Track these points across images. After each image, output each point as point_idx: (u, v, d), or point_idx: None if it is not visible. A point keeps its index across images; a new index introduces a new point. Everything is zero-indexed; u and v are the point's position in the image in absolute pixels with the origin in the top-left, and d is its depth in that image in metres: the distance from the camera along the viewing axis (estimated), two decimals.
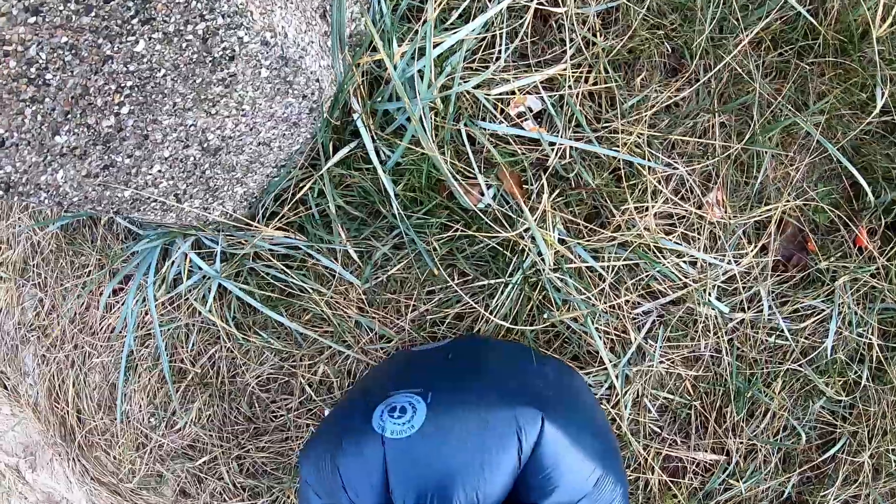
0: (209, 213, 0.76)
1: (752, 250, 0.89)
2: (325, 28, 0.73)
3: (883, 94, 0.89)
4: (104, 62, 0.52)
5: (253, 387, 0.97)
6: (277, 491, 1.01)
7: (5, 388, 1.42)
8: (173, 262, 0.86)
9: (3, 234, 1.38)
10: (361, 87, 0.77)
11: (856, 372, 0.92)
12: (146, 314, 1.04)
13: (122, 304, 1.06)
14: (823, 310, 0.91)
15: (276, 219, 0.82)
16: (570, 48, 0.83)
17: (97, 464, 1.23)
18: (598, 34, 0.82)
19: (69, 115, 0.53)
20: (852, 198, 0.95)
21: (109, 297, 1.08)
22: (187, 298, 0.94)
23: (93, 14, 0.49)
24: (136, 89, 0.56)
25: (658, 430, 0.92)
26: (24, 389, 1.38)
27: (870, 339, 0.91)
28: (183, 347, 1.01)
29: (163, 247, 0.90)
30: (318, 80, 0.71)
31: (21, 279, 1.33)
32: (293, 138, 0.76)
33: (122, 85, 0.54)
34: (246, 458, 1.01)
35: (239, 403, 1.00)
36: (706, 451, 0.93)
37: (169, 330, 0.99)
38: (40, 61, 0.49)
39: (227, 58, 0.59)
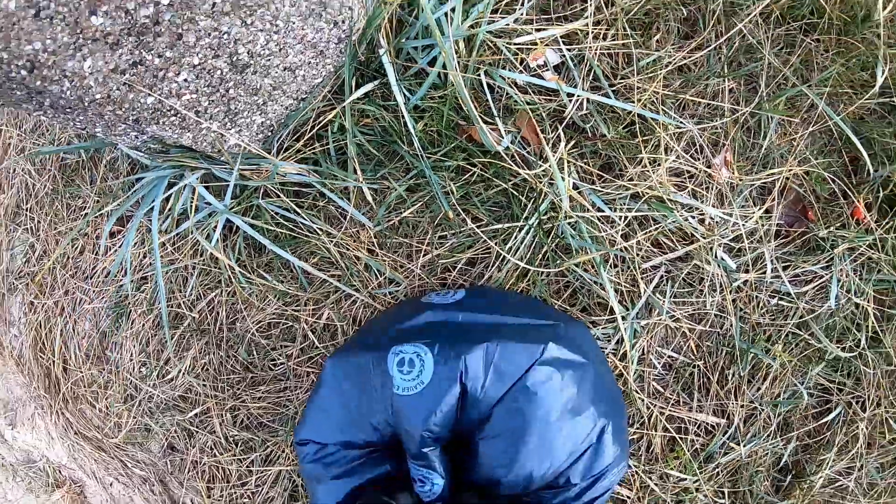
0: (227, 138, 0.76)
1: (758, 210, 0.92)
2: None
3: (883, 72, 0.93)
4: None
5: (253, 333, 0.96)
6: (272, 444, 0.99)
7: None
8: (181, 193, 0.85)
9: None
10: (389, 24, 0.78)
11: (853, 339, 0.95)
12: (144, 256, 1.03)
13: (120, 247, 1.04)
14: (823, 276, 0.94)
15: (291, 152, 0.83)
16: (592, 4, 0.85)
17: (81, 417, 1.20)
18: None
19: None
20: (851, 172, 0.99)
21: (107, 239, 1.06)
22: (189, 237, 0.93)
23: None
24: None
25: (661, 390, 0.93)
26: (7, 341, 1.34)
27: (867, 307, 0.94)
28: (181, 292, 1.00)
29: (169, 181, 0.89)
30: (350, 9, 0.72)
31: (13, 224, 1.30)
32: (317, 69, 0.77)
33: (225, 38, 0.55)
34: (241, 409, 1.00)
35: (237, 351, 0.98)
36: (708, 414, 0.95)
37: (168, 272, 0.98)
38: None
39: None
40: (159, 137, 0.75)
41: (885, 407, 0.98)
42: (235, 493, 1.03)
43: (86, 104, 0.61)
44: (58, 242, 1.20)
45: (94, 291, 1.13)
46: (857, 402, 0.98)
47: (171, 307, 1.00)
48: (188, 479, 1.08)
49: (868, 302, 0.94)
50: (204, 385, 1.01)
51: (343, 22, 0.73)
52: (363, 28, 0.77)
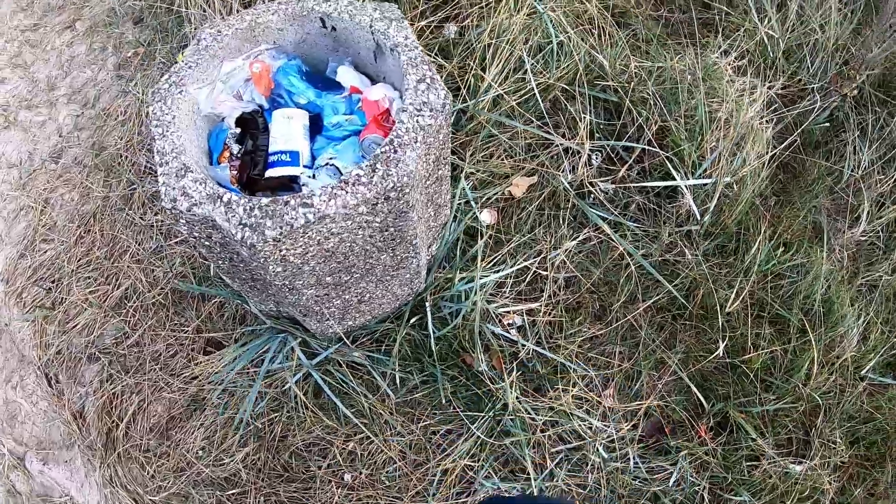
0: (334, 330, 1.36)
1: (627, 425, 1.58)
2: (429, 254, 1.40)
3: (724, 346, 1.64)
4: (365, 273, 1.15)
5: (297, 446, 1.50)
6: None
7: (50, 386, 1.80)
8: (284, 349, 1.42)
9: (110, 271, 1.85)
10: (434, 290, 1.43)
11: None
12: (236, 373, 1.56)
13: (209, 362, 1.56)
14: (671, 470, 1.59)
15: (360, 342, 1.43)
16: (545, 295, 1.54)
17: (128, 474, 1.64)
18: (561, 290, 1.55)
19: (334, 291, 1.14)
20: (697, 404, 1.67)
21: (202, 354, 1.59)
22: (278, 374, 1.48)
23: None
24: (364, 276, 1.18)
25: None
26: (72, 395, 1.78)
27: (702, 494, 1.58)
28: (253, 407, 1.53)
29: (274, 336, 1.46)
30: (421, 283, 1.36)
31: (112, 312, 1.79)
32: (392, 305, 1.40)
33: (362, 289, 1.17)
34: (273, 496, 1.50)
35: (281, 455, 1.51)
36: None
37: (247, 392, 1.52)
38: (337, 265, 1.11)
39: (402, 266, 1.23)
40: (288, 314, 1.33)
41: None
42: None
43: (291, 303, 1.20)
44: (153, 341, 1.71)
45: (175, 387, 1.63)
46: None
47: (243, 416, 1.52)
48: None
49: (704, 491, 1.57)
50: (248, 473, 1.52)
51: (413, 287, 1.36)
52: (422, 291, 1.41)
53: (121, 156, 2.02)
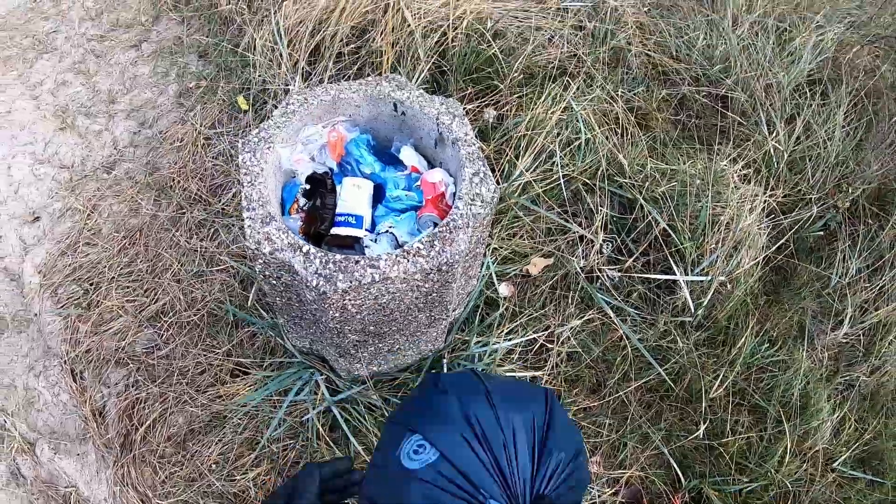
0: (360, 371, 1.54)
1: (609, 492, 1.75)
2: (453, 317, 1.60)
3: (704, 428, 1.83)
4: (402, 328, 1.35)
5: None
6: None
7: (74, 381, 1.95)
8: (310, 383, 1.60)
9: (150, 285, 2.03)
10: (450, 350, 1.63)
11: None
12: (265, 399, 1.72)
13: (234, 383, 1.73)
14: None
15: (380, 385, 1.61)
16: (549, 365, 1.74)
17: (140, 476, 1.78)
18: (563, 362, 1.75)
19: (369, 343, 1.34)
20: (675, 479, 1.85)
21: (230, 374, 1.75)
22: (300, 405, 1.65)
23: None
24: (401, 329, 1.37)
25: None
26: (93, 394, 1.92)
27: None
28: (270, 431, 1.69)
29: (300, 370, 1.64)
30: (442, 342, 1.56)
31: (147, 322, 1.96)
32: (416, 357, 1.59)
33: (395, 340, 1.37)
34: None
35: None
36: None
37: (268, 416, 1.68)
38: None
39: (432, 325, 1.43)
40: (318, 352, 1.51)
41: None
42: None
43: (333, 343, 1.38)
44: (183, 356, 1.87)
45: (199, 402, 1.79)
46: None
47: (259, 438, 1.68)
48: None
49: None
50: (257, 491, 1.66)
51: (437, 344, 1.56)
52: (441, 349, 1.61)
53: (173, 180, 2.23)
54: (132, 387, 1.89)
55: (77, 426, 1.93)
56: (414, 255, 1.17)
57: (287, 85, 2.06)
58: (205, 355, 1.84)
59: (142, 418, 1.84)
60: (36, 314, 2.16)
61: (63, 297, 2.13)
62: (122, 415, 1.86)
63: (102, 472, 1.84)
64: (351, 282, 1.14)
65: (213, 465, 1.72)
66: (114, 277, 2.09)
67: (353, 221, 1.32)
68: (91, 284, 2.12)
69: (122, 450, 1.82)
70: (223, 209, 2.12)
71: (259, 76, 2.24)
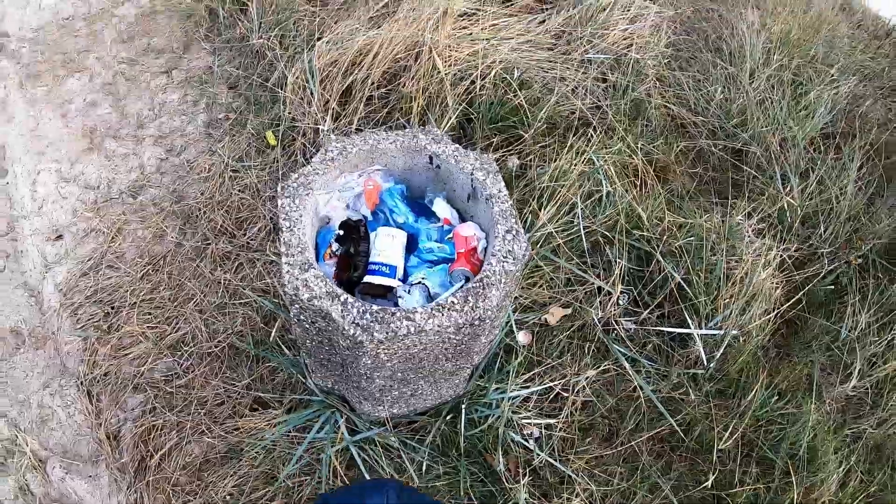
0: (381, 413, 1.59)
1: None
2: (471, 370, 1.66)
3: (713, 478, 1.86)
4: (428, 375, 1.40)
5: None
6: None
7: (91, 402, 1.98)
8: (330, 421, 1.65)
9: (172, 313, 2.08)
10: (471, 393, 1.68)
11: None
12: (283, 434, 1.76)
13: (252, 417, 1.77)
14: None
15: (398, 427, 1.65)
16: (563, 413, 1.79)
17: (153, 500, 1.80)
18: (577, 411, 1.79)
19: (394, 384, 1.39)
20: None
21: (248, 408, 1.80)
22: (318, 443, 1.69)
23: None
24: (426, 376, 1.42)
25: None
26: (109, 417, 1.95)
27: None
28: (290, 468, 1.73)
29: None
30: (462, 388, 1.61)
31: (166, 349, 2.00)
32: (436, 401, 1.64)
33: (419, 386, 1.42)
34: None
35: None
36: None
37: (286, 451, 1.72)
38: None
39: (455, 374, 1.48)
40: (339, 392, 1.56)
41: None
42: None
43: (359, 386, 1.43)
44: (203, 387, 1.92)
45: (216, 433, 1.83)
46: None
47: (275, 472, 1.72)
48: None
49: None
50: None
51: (458, 391, 1.61)
52: (461, 395, 1.66)
53: (200, 210, 2.30)
54: (149, 413, 1.93)
55: (90, 448, 1.96)
56: (448, 310, 1.23)
57: (317, 124, 2.15)
58: (224, 387, 1.89)
59: (157, 445, 1.87)
60: (54, 332, 2.21)
61: (83, 317, 2.18)
62: (138, 440, 1.90)
63: (115, 495, 1.87)
64: (387, 333, 1.20)
65: (228, 497, 1.75)
66: (135, 303, 2.14)
67: (387, 271, 1.38)
68: (112, 308, 2.18)
69: (136, 475, 1.86)
70: (248, 243, 2.18)
71: (289, 113, 2.33)
